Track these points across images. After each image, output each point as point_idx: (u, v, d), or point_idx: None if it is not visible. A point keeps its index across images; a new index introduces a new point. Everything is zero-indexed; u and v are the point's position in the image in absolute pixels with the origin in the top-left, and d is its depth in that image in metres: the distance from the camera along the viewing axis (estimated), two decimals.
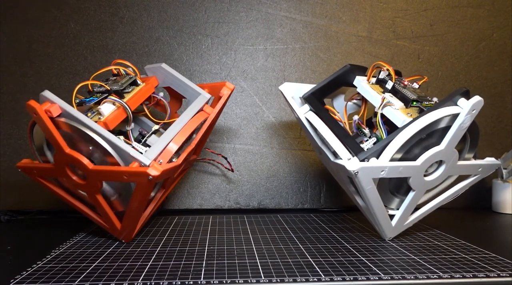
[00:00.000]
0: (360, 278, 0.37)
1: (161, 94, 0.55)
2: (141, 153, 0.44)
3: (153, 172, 0.41)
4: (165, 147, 0.46)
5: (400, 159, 0.45)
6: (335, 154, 0.49)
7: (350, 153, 0.46)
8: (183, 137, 0.48)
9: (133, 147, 0.46)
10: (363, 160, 0.44)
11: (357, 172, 0.42)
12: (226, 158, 0.68)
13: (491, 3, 0.74)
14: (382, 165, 0.43)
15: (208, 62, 0.71)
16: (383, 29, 0.72)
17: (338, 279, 0.37)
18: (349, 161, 0.44)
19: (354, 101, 0.56)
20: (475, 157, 0.52)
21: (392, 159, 0.44)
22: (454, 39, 0.74)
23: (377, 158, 0.44)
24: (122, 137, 0.47)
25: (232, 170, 0.69)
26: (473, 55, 0.74)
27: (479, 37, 0.74)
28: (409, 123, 0.44)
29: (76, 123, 0.44)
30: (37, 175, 0.50)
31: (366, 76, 0.54)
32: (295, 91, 0.53)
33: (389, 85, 0.50)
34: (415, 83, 0.51)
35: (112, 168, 0.44)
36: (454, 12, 0.73)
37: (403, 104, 0.48)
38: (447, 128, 0.45)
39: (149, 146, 0.50)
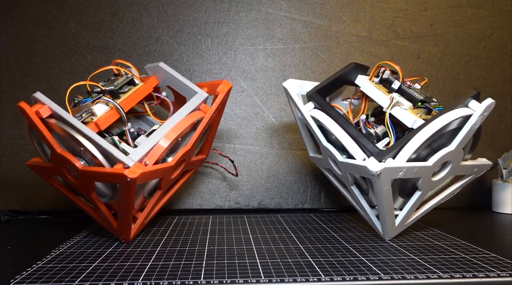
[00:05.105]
0: (360, 278, 0.37)
1: (164, 93, 0.55)
2: (128, 154, 0.44)
3: (131, 174, 0.40)
4: (152, 148, 0.45)
5: (413, 160, 0.44)
6: (347, 154, 0.48)
7: (365, 153, 0.44)
8: (171, 137, 0.46)
9: (121, 148, 0.46)
10: (380, 161, 0.43)
11: (380, 173, 0.41)
12: (232, 161, 0.66)
13: (491, 3, 0.74)
14: (401, 166, 0.42)
15: (208, 62, 0.70)
16: (383, 29, 0.72)
17: (338, 279, 0.37)
18: (371, 162, 0.42)
19: (352, 99, 0.55)
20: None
21: (408, 160, 0.43)
22: (454, 39, 0.74)
23: (393, 158, 0.43)
24: (116, 138, 0.47)
25: (237, 175, 0.67)
26: (473, 55, 0.74)
27: (479, 37, 0.74)
28: (425, 124, 0.44)
29: (62, 124, 0.44)
30: (43, 173, 0.50)
31: (367, 75, 0.54)
32: (297, 89, 0.52)
33: (396, 85, 0.50)
34: (416, 84, 0.51)
35: (97, 169, 0.43)
36: (454, 12, 0.73)
37: (411, 104, 0.48)
38: (455, 130, 0.45)
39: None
